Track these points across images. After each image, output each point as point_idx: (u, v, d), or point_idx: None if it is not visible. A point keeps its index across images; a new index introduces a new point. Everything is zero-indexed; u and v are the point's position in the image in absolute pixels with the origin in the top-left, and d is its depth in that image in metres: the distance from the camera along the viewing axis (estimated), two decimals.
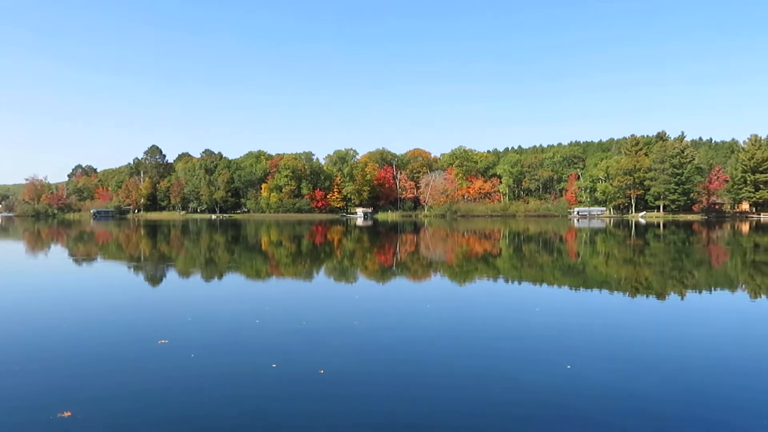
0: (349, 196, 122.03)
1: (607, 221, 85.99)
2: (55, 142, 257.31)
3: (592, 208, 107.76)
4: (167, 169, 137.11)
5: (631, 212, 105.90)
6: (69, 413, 5.87)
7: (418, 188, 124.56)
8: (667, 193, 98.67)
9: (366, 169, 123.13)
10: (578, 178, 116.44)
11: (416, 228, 63.24)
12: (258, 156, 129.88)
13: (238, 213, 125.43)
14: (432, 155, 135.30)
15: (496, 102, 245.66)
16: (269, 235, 49.32)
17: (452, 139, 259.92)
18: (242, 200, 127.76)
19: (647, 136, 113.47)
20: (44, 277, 18.87)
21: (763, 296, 15.17)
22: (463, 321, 11.22)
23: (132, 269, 21.78)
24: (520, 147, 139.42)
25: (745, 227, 61.85)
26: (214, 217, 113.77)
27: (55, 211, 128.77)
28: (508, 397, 6.50)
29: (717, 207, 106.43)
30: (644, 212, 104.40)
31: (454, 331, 10.16)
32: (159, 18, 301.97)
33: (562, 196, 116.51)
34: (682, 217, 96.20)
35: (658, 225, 70.01)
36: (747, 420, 5.88)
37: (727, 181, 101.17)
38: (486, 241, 41.38)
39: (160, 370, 7.51)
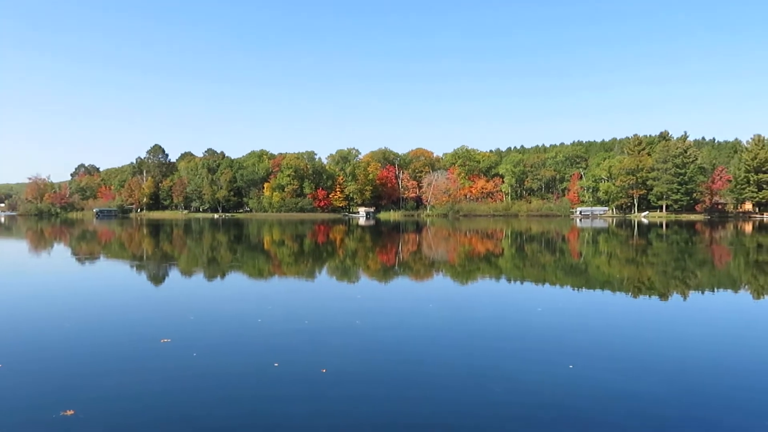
0: (351, 195, 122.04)
1: (610, 221, 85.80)
2: (58, 141, 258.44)
3: (594, 208, 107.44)
4: (170, 168, 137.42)
5: (634, 212, 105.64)
6: (72, 412, 5.90)
7: (420, 188, 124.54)
8: (669, 193, 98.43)
9: (368, 169, 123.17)
10: (581, 177, 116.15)
11: (418, 228, 63.25)
12: (260, 155, 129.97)
13: (241, 212, 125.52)
14: (434, 155, 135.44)
15: (499, 101, 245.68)
16: (271, 234, 49.36)
17: (454, 138, 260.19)
18: (245, 199, 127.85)
19: (650, 135, 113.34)
20: (47, 277, 18.92)
21: (766, 297, 15.14)
22: (465, 321, 11.23)
23: (135, 268, 21.84)
24: (522, 146, 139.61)
25: (748, 227, 61.68)
26: (216, 216, 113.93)
27: (58, 210, 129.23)
28: (509, 398, 6.51)
29: (720, 207, 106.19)
30: (647, 212, 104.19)
31: (455, 331, 10.17)
32: (163, 16, 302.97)
33: (564, 195, 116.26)
34: (685, 217, 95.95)
35: (661, 225, 69.84)
36: (747, 420, 5.88)
37: (730, 181, 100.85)
38: (488, 240, 41.35)
39: (162, 369, 7.54)
